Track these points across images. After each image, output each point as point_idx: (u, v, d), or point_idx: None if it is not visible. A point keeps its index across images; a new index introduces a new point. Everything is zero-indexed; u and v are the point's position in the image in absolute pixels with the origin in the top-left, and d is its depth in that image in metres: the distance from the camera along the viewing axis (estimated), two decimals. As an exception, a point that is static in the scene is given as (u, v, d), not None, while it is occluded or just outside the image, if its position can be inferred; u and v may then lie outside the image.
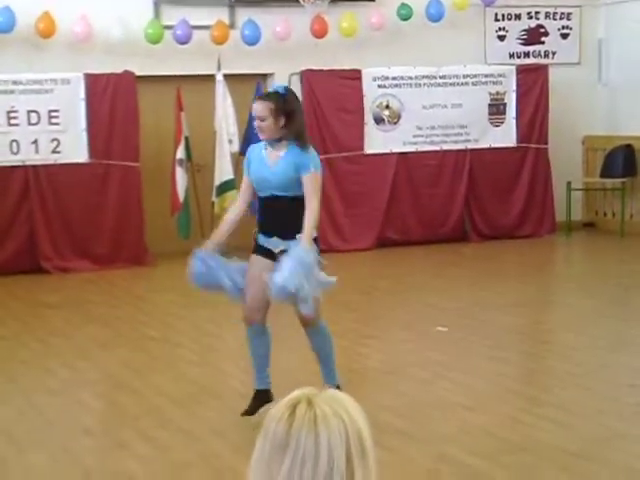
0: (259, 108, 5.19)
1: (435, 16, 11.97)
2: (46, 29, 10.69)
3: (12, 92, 10.39)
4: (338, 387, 5.39)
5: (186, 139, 11.03)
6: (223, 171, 11.01)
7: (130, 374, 6.52)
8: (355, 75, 11.55)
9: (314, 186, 5.18)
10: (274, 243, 5.28)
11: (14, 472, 4.91)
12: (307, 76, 11.37)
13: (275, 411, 1.75)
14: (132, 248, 10.79)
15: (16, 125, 10.41)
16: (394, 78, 11.69)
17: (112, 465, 4.97)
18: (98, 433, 5.46)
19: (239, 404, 5.72)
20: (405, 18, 11.91)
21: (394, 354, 7.04)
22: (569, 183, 12.35)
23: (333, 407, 1.73)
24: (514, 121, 12.11)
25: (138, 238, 10.84)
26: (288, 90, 5.36)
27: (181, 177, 10.92)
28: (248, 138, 11.25)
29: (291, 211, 5.18)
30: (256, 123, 5.23)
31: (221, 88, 10.99)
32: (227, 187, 11.02)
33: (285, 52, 11.60)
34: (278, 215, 5.22)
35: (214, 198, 11.09)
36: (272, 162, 5.24)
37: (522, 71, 12.16)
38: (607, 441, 5.07)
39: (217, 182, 11.05)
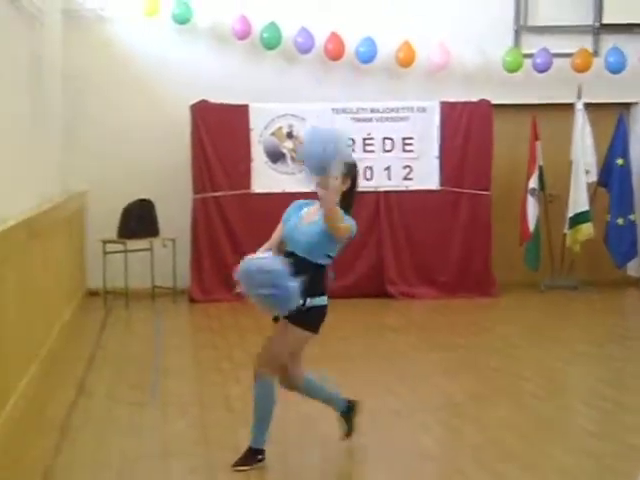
0: None
1: None
2: (405, 58, 10.85)
3: (369, 120, 10.61)
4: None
5: (540, 168, 10.72)
6: (578, 202, 10.59)
7: (472, 402, 6.32)
8: None
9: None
10: None
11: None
12: (677, 106, 10.62)
13: None
14: (478, 277, 10.58)
15: (371, 152, 10.61)
16: None
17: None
18: (438, 457, 5.28)
19: (587, 444, 5.32)
20: None
21: None
22: None
23: None
24: None
25: (485, 268, 10.59)
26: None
27: (532, 207, 10.62)
28: (607, 169, 10.77)
29: (312, 276, 4.69)
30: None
31: (580, 117, 10.55)
32: (582, 219, 10.60)
33: (651, 81, 10.96)
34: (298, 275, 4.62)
35: (566, 230, 10.67)
36: (306, 222, 4.85)
37: None
38: None
39: (571, 213, 10.63)
